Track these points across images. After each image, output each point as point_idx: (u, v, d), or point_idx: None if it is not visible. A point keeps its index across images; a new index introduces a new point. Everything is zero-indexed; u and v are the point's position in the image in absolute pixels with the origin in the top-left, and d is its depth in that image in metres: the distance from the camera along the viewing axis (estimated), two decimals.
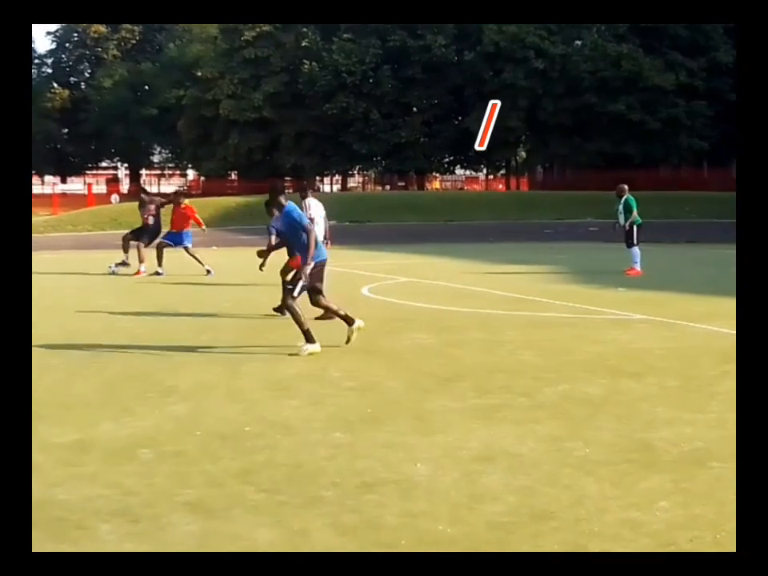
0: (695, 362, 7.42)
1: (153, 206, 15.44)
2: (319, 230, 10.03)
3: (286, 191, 8.56)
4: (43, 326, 8.02)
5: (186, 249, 15.13)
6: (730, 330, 7.53)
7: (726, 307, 8.50)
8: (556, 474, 4.16)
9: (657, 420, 5.39)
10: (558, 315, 10.53)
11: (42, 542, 2.95)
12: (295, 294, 7.38)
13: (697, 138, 40.04)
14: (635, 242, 14.97)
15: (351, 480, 4.01)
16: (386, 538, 3.19)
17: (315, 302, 7.76)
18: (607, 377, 6.76)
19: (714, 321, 9.34)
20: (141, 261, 14.81)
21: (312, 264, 7.40)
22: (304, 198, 10.76)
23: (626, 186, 15.72)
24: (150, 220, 15.23)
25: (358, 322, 7.67)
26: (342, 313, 7.69)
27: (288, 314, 7.74)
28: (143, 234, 15.15)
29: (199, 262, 14.70)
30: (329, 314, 7.98)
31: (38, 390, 5.17)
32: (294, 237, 7.73)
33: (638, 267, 14.77)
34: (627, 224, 14.96)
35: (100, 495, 3.72)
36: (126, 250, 15.27)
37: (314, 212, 10.64)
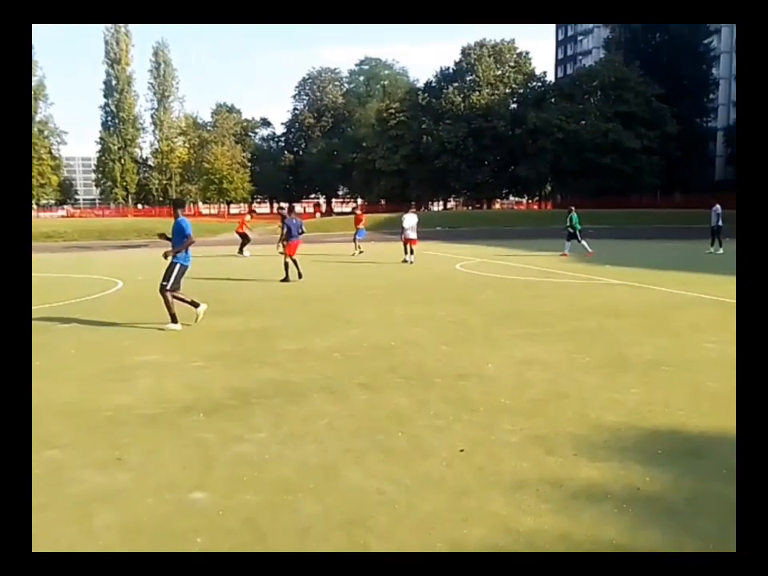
0: (653, 309, 11.24)
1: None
2: (412, 233, 20.19)
3: (185, 207, 11.64)
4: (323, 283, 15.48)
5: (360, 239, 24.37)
6: (675, 290, 13.23)
7: (673, 277, 15.71)
8: (569, 372, 6.92)
9: (629, 342, 8.44)
10: (569, 281, 15.53)
11: (285, 403, 5.87)
12: (168, 285, 9.39)
13: (653, 178, 61.48)
14: (578, 238, 22.32)
15: (451, 373, 6.88)
16: (472, 406, 5.71)
17: (165, 295, 9.48)
18: (600, 317, 10.35)
19: (665, 285, 13.97)
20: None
21: (180, 265, 9.57)
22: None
23: (572, 207, 23.34)
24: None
25: (203, 307, 9.72)
26: (188, 299, 9.68)
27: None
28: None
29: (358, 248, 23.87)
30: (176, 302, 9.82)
31: (283, 318, 10.52)
32: (177, 239, 9.67)
33: (566, 251, 22.57)
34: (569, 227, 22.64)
35: (313, 378, 6.71)
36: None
37: (406, 222, 20.19)
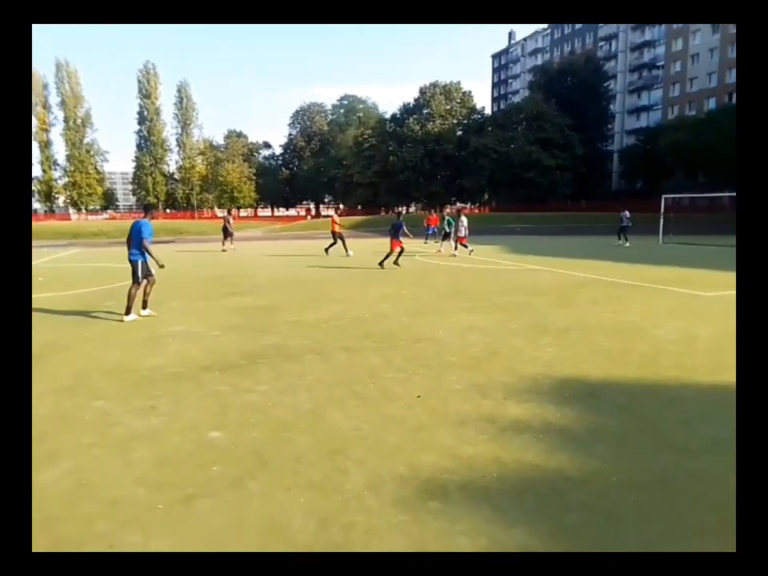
0: (565, 288, 11.19)
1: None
2: (464, 231, 18.59)
3: (153, 211, 8.97)
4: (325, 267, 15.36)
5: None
6: (581, 274, 13.29)
7: (579, 264, 15.64)
8: (501, 336, 7.00)
9: (547, 313, 8.48)
10: (502, 267, 15.39)
11: (283, 362, 5.79)
12: (138, 281, 8.10)
13: (565, 189, 61.70)
14: (450, 238, 20.20)
15: (411, 338, 6.87)
16: (427, 363, 5.74)
17: (130, 289, 8.12)
18: (525, 294, 10.33)
19: (573, 270, 14.18)
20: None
21: (141, 263, 8.02)
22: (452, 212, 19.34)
23: (446, 210, 23.61)
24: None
25: (131, 317, 8.02)
26: (131, 303, 8.03)
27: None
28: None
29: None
30: None
31: (282, 296, 10.27)
32: (136, 240, 7.97)
33: (442, 249, 20.62)
34: (448, 228, 20.60)
35: (305, 343, 6.61)
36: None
37: (462, 224, 18.45)
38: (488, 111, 77.92)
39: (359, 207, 71.69)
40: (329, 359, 5.92)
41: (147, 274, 8.20)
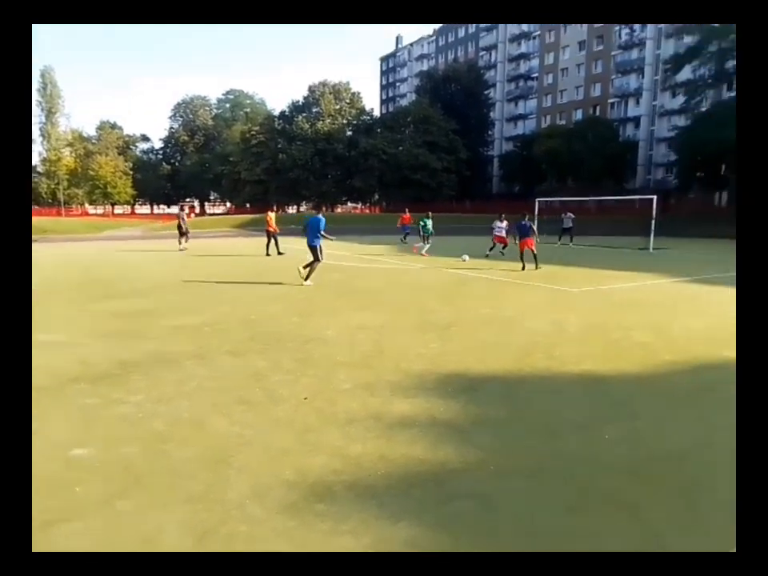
0: (448, 285, 11.74)
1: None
2: (499, 231, 18.43)
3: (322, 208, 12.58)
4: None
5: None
6: (462, 271, 14.02)
7: (462, 262, 16.19)
8: (388, 334, 7.11)
9: (431, 310, 8.81)
10: (391, 266, 15.66)
11: (161, 370, 5.45)
12: (320, 259, 11.54)
13: (450, 191, 63.20)
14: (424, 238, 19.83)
15: (300, 338, 6.78)
16: (316, 363, 5.68)
17: (314, 263, 11.46)
18: (412, 292, 10.73)
19: (459, 268, 14.87)
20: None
21: None
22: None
23: (429, 213, 21.38)
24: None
25: (308, 282, 11.14)
26: (311, 274, 11.33)
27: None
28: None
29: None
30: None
31: (163, 299, 9.74)
32: (315, 230, 11.48)
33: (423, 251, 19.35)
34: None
35: (186, 348, 6.30)
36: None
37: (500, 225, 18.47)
38: (377, 113, 79.35)
39: (248, 205, 69.71)
40: (211, 364, 5.66)
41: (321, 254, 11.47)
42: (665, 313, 8.62)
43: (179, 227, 21.40)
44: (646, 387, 5.04)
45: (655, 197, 23.26)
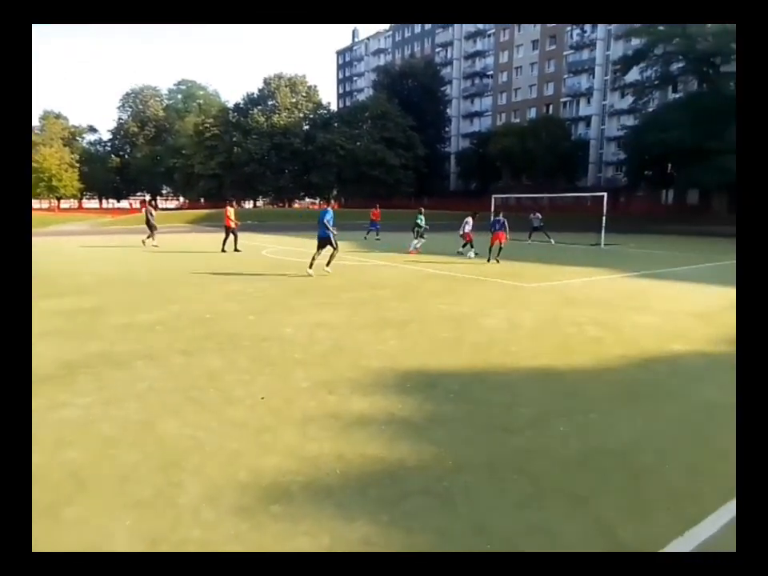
0: (407, 282, 11.73)
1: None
2: (468, 227, 17.65)
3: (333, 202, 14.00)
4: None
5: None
6: (422, 268, 14.00)
7: (421, 258, 16.39)
8: (347, 331, 7.07)
9: (389, 307, 8.73)
10: (350, 263, 15.18)
11: (109, 370, 5.26)
12: (336, 247, 12.43)
13: (408, 187, 64.17)
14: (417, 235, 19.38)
15: (257, 337, 6.67)
16: (273, 362, 5.62)
17: (334, 252, 12.49)
18: (370, 289, 10.58)
19: (416, 265, 14.93)
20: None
21: None
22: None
23: (421, 209, 20.53)
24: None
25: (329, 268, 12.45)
26: (331, 261, 12.58)
27: None
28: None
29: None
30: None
31: (110, 297, 9.41)
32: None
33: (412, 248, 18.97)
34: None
35: (136, 348, 6.11)
36: None
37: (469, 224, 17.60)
38: (334, 107, 78.84)
39: (202, 200, 68.02)
40: (163, 364, 5.50)
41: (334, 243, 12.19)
42: (615, 308, 8.91)
43: (147, 221, 20.20)
44: (598, 381, 5.20)
45: (606, 194, 24.01)
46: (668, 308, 8.91)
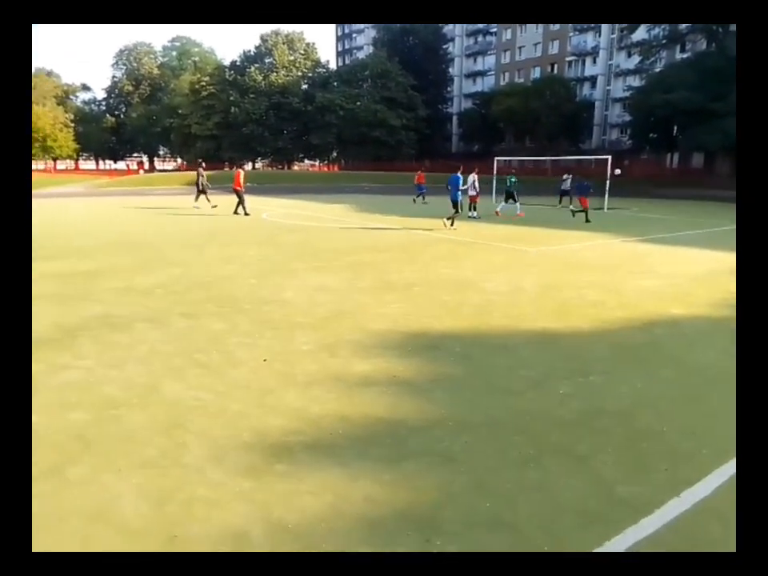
0: (410, 245, 11.74)
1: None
2: (472, 190, 17.55)
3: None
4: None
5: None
6: (424, 232, 13.87)
7: (422, 222, 16.01)
8: (349, 294, 7.08)
9: (392, 270, 8.73)
10: (350, 227, 15.27)
11: (110, 333, 5.30)
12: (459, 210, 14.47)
13: (410, 149, 62.55)
14: (515, 199, 19.76)
15: (258, 300, 6.69)
16: (275, 325, 5.65)
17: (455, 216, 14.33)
18: (371, 252, 10.51)
19: (417, 227, 14.93)
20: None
21: None
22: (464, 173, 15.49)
23: (513, 171, 21.47)
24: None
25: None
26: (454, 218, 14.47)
27: None
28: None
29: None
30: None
31: (108, 260, 9.33)
32: (455, 185, 14.53)
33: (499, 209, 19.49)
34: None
35: (136, 311, 6.15)
36: None
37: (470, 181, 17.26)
38: (333, 66, 77.05)
39: (200, 161, 67.27)
40: (165, 327, 5.52)
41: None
42: (616, 272, 8.89)
43: (197, 184, 20.24)
44: (598, 344, 5.22)
45: (610, 157, 23.68)
46: (669, 272, 8.89)
